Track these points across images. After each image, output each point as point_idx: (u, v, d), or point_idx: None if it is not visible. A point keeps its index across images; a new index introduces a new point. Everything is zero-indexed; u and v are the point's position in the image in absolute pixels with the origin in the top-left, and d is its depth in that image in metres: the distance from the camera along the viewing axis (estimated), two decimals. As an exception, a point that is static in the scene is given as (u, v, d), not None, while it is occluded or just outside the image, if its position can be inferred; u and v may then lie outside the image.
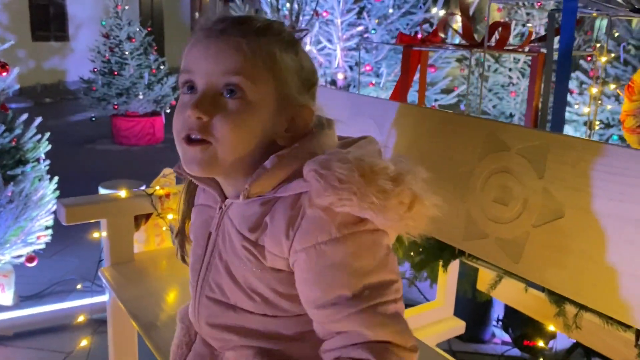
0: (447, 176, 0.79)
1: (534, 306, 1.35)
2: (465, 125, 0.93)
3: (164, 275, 1.37)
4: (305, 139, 0.73)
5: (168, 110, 6.49)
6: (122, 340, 1.40)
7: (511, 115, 5.23)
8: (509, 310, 2.63)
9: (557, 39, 1.31)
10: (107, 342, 2.26)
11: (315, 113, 0.75)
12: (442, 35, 1.73)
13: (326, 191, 0.65)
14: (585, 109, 2.28)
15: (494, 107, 5.39)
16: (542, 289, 1.32)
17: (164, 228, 1.66)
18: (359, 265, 0.67)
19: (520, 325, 2.54)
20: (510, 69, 5.23)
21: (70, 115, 7.95)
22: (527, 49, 1.63)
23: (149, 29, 6.42)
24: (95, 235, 1.47)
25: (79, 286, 2.73)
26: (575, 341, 2.50)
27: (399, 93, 1.55)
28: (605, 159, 0.74)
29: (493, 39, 1.76)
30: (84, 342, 2.30)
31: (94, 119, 6.52)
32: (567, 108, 3.65)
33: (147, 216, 1.48)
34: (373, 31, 4.24)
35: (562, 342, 2.56)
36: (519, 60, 5.10)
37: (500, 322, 2.67)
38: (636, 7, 1.22)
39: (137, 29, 6.23)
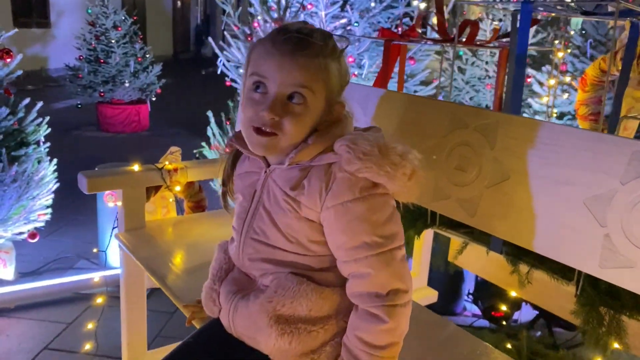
0: (419, 149, 0.98)
1: (493, 270, 1.56)
2: (434, 107, 1.13)
3: (171, 240, 1.55)
4: (336, 125, 0.97)
5: (154, 99, 6.60)
6: (134, 298, 1.57)
7: (487, 107, 5.45)
8: (478, 285, 2.85)
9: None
10: (103, 315, 2.42)
11: (345, 106, 0.99)
12: (419, 30, 1.92)
13: (355, 160, 0.89)
14: (544, 99, 2.49)
15: (470, 99, 5.61)
16: (501, 252, 1.53)
17: (171, 200, 1.83)
18: (375, 218, 0.90)
19: (488, 297, 2.76)
20: (486, 63, 5.45)
21: (53, 102, 7.98)
22: (495, 44, 1.83)
23: (134, 18, 6.50)
24: (110, 204, 1.63)
25: (95, 250, 2.87)
26: (537, 313, 2.73)
27: (380, 83, 1.74)
28: (540, 132, 0.94)
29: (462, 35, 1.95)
30: (85, 319, 2.44)
31: (79, 106, 6.59)
32: (537, 100, 3.89)
33: (156, 189, 1.64)
34: (356, 24, 4.41)
35: (527, 314, 2.79)
36: (495, 54, 5.32)
37: (470, 296, 2.89)
38: (585, 9, 1.42)
39: (123, 18, 6.32)
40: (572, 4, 1.46)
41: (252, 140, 0.97)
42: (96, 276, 2.64)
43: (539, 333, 2.75)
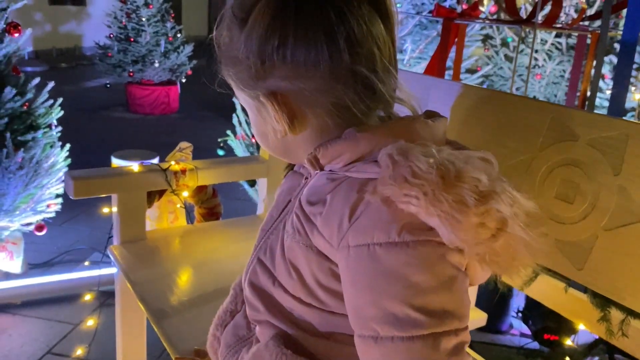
0: (500, 166, 0.69)
1: (573, 307, 1.25)
2: (524, 109, 0.81)
3: (176, 256, 1.29)
4: (397, 121, 0.66)
5: (184, 80, 6.39)
6: (131, 321, 1.32)
7: (535, 99, 5.06)
8: (530, 302, 2.54)
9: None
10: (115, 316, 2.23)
11: (275, 97, 0.66)
12: (481, 8, 1.61)
13: (392, 179, 0.55)
14: (637, 96, 2.14)
15: (517, 89, 5.22)
16: (584, 290, 1.22)
17: (179, 205, 1.57)
18: (418, 279, 0.56)
19: (541, 318, 2.46)
20: (536, 51, 5.05)
21: (85, 80, 7.88)
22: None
23: (167, -5, 6.29)
24: (105, 210, 1.38)
25: (86, 263, 2.68)
26: (597, 337, 2.42)
27: (437, 68, 1.43)
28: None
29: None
30: (91, 319, 2.25)
31: (108, 85, 6.44)
32: (598, 94, 3.49)
33: (161, 192, 1.39)
34: (398, 5, 4.08)
35: (584, 336, 2.48)
36: (546, 41, 4.92)
37: (520, 314, 2.58)
38: None
39: (155, -5, 6.10)
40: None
41: None
42: (89, 283, 2.45)
43: (597, 359, 2.44)
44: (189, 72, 6.39)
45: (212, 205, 1.61)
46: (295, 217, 0.65)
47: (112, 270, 2.47)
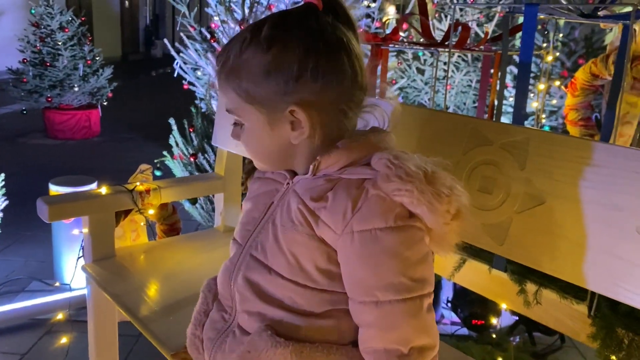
0: (434, 168, 0.88)
1: (494, 288, 1.47)
2: (450, 122, 1.02)
3: (147, 269, 1.39)
4: (372, 134, 0.83)
5: (105, 103, 6.30)
6: (104, 337, 1.40)
7: (447, 108, 5.45)
8: (457, 292, 2.79)
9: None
10: (62, 341, 2.24)
11: (305, 108, 0.79)
12: (401, 33, 1.82)
13: (394, 177, 0.74)
14: (534, 104, 2.46)
15: (429, 99, 5.60)
16: (505, 270, 1.44)
17: (142, 224, 1.66)
18: (408, 255, 0.75)
19: (468, 305, 2.70)
20: (444, 63, 5.45)
21: (-5, 108, 7.54)
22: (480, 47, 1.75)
23: (82, 19, 6.18)
24: (75, 232, 1.46)
25: (56, 284, 2.64)
26: (517, 318, 2.69)
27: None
28: (580, 152, 0.84)
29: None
30: (40, 345, 2.25)
31: (25, 112, 6.22)
32: (503, 101, 3.86)
33: (126, 212, 1.48)
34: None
35: (506, 320, 2.75)
36: (453, 54, 5.32)
37: (449, 304, 2.82)
38: (585, 12, 1.36)
39: (70, 19, 5.99)
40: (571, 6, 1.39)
41: None
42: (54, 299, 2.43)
43: (517, 338, 2.72)
44: (110, 95, 6.30)
45: (172, 221, 1.71)
46: (298, 212, 0.80)
47: (57, 296, 2.48)
